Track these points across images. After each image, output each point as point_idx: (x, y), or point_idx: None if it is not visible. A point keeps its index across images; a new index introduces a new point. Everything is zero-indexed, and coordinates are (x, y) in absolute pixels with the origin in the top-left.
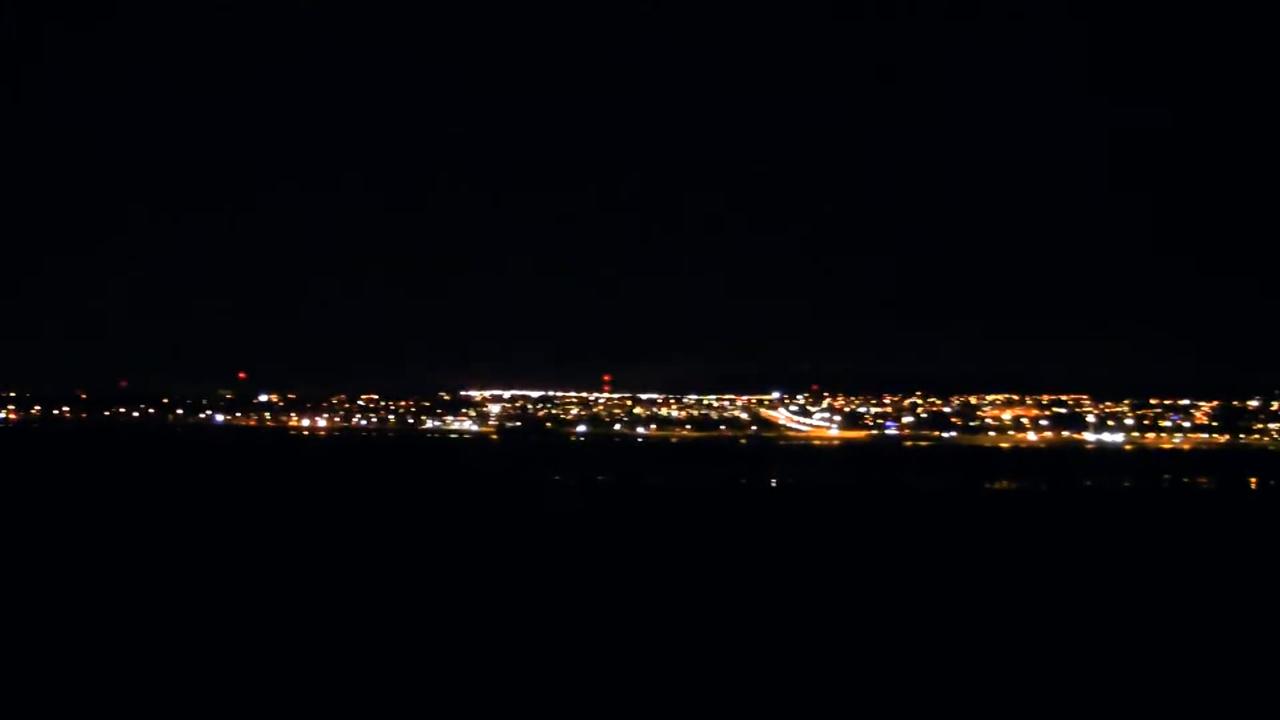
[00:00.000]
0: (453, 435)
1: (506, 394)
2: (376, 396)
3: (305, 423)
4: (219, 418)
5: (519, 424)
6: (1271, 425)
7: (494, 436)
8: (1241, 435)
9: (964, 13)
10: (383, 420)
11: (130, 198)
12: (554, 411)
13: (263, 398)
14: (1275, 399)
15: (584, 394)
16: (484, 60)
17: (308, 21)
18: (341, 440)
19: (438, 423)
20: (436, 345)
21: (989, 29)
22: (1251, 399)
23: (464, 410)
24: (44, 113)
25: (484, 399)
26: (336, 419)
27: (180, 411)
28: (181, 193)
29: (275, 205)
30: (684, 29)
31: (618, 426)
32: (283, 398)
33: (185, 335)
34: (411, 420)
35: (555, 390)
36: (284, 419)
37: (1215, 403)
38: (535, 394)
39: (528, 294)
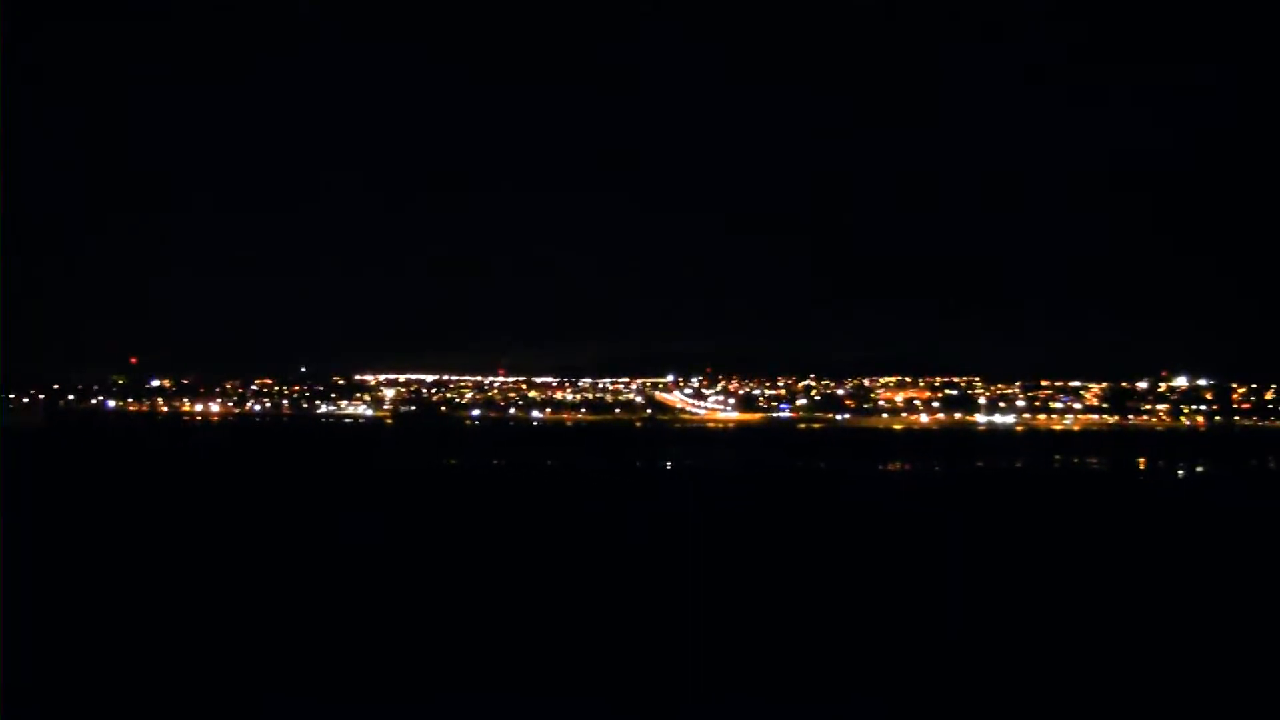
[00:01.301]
0: (347, 420)
1: (401, 378)
2: (270, 381)
3: (199, 408)
4: (110, 404)
5: (413, 408)
6: (1159, 406)
7: (388, 420)
8: (1130, 416)
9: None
10: (276, 405)
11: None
12: (449, 395)
13: (154, 383)
14: (1162, 380)
15: (479, 378)
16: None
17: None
18: (234, 425)
19: (332, 407)
20: (329, 330)
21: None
22: (1140, 380)
23: (358, 394)
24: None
25: (378, 383)
26: (230, 404)
27: (71, 398)
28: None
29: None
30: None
31: (513, 410)
32: (175, 383)
33: (78, 322)
34: (305, 405)
35: (450, 374)
36: (176, 404)
37: (1105, 384)
38: (430, 378)
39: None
